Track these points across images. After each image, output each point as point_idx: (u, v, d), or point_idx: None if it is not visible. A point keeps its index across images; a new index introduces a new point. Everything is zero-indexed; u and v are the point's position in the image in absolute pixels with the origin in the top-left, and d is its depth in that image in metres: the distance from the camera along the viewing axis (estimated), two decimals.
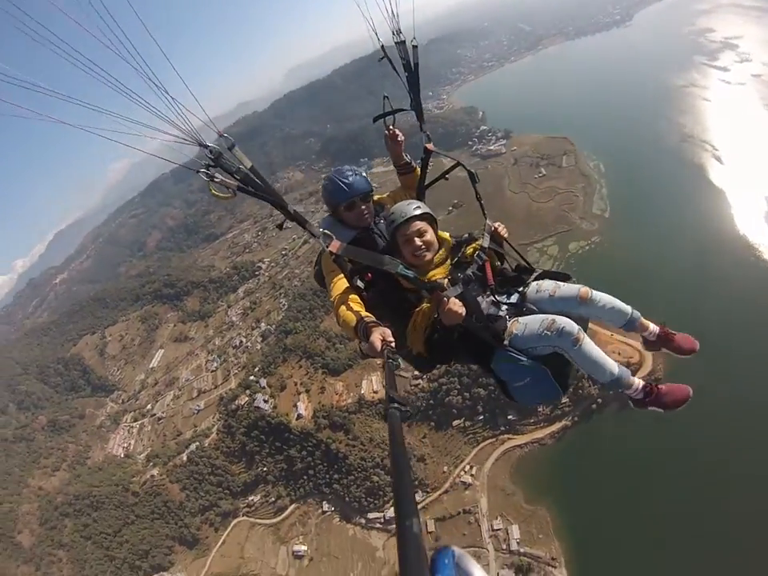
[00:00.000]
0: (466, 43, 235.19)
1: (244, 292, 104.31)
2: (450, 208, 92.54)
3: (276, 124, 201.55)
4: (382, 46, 4.66)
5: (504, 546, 50.71)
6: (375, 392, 64.94)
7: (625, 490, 49.25)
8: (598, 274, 65.95)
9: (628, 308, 4.18)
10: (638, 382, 3.90)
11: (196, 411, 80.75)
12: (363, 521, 57.93)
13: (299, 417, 65.82)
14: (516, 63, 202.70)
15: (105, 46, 2.37)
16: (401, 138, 4.98)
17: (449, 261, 4.20)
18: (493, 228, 4.42)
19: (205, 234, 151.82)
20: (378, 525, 56.81)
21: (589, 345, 3.63)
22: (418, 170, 5.15)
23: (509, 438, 58.54)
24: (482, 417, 59.48)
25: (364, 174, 4.58)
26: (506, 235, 4.52)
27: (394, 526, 1.18)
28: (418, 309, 3.99)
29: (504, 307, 4.11)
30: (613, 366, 3.77)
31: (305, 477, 62.51)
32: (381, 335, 3.15)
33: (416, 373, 64.38)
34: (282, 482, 64.24)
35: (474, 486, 56.22)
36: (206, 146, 3.00)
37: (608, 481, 50.57)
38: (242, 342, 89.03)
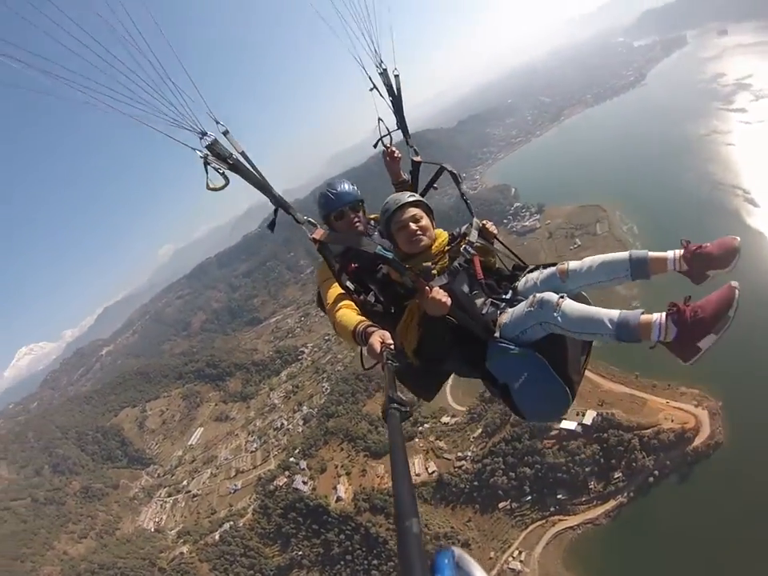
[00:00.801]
0: (493, 121, 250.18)
1: (287, 375, 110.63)
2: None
3: (315, 209, 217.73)
4: (373, 84, 5.14)
5: None
6: (418, 475, 66.28)
7: (691, 565, 46.42)
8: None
9: (624, 254, 3.93)
10: (657, 315, 3.23)
11: (233, 491, 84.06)
12: None
13: (339, 499, 68.05)
14: (542, 137, 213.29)
15: (118, 38, 2.72)
16: (398, 155, 5.43)
17: (446, 256, 4.25)
18: (481, 225, 4.53)
19: (248, 318, 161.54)
20: None
21: (571, 304, 3.48)
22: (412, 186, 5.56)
23: (560, 520, 57.17)
24: (529, 497, 59.10)
25: (353, 186, 4.98)
26: (495, 232, 4.60)
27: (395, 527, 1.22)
28: (409, 305, 4.07)
29: (496, 302, 4.18)
30: (610, 312, 3.36)
31: (342, 562, 62.89)
32: (380, 337, 3.25)
33: (459, 454, 67.18)
34: (317, 567, 64.97)
35: (524, 573, 54.95)
36: (206, 134, 3.30)
37: (672, 562, 47.80)
38: (283, 424, 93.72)
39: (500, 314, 3.99)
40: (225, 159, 3.44)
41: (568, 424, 59.79)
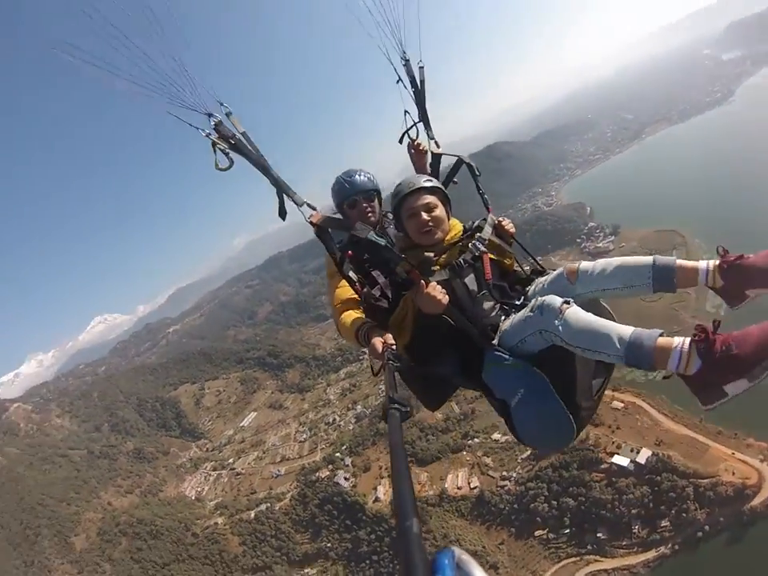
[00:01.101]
0: (571, 137, 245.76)
1: (345, 374, 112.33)
2: None
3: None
4: (399, 76, 5.08)
5: None
6: (459, 488, 65.86)
7: None
8: None
9: (647, 258, 3.37)
10: (680, 340, 2.68)
11: (275, 475, 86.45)
12: None
13: (377, 500, 68.50)
14: (622, 154, 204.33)
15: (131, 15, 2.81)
16: (423, 147, 5.29)
17: (455, 249, 3.92)
18: (496, 221, 4.21)
19: (315, 314, 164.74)
20: None
21: (576, 312, 3.00)
22: None
23: (595, 560, 53.89)
24: (568, 531, 56.48)
25: (370, 175, 4.88)
26: (512, 231, 4.23)
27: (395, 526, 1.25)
28: (404, 297, 3.77)
29: (499, 302, 3.87)
30: (621, 329, 2.84)
31: (367, 561, 63.53)
32: (381, 338, 3.24)
33: (504, 473, 65.58)
34: (342, 561, 65.86)
35: None
36: (212, 115, 3.38)
37: None
38: (335, 419, 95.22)
39: (503, 320, 3.66)
40: (228, 139, 3.50)
41: (621, 460, 56.78)
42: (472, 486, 65.85)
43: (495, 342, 3.45)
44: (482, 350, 3.48)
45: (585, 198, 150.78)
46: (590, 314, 3.00)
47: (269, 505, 77.54)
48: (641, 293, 3.49)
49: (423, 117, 5.23)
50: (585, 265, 3.56)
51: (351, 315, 3.89)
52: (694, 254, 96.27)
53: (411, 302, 3.62)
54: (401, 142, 5.62)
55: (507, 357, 3.30)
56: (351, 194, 4.70)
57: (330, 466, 78.14)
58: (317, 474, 77.84)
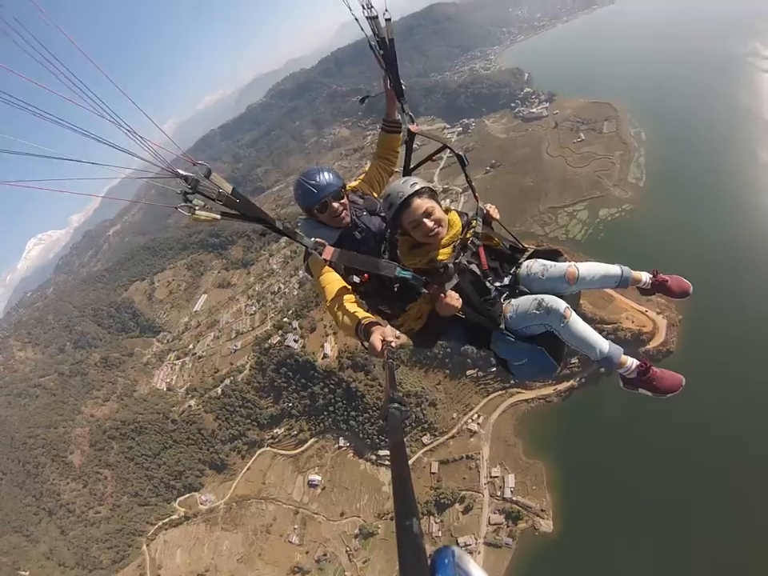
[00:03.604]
0: (518, 0, 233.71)
1: (285, 242, 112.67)
2: (488, 168, 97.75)
3: (323, 81, 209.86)
4: (361, 27, 4.72)
5: (498, 493, 58.31)
6: (398, 337, 71.08)
7: (622, 454, 53.63)
8: (624, 242, 69.46)
9: (617, 268, 4.47)
10: (632, 361, 4.12)
11: (233, 350, 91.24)
12: (374, 457, 66.73)
13: (325, 356, 74.09)
14: (568, 24, 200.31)
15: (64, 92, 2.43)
16: (403, 87, 5.11)
17: (452, 243, 4.31)
18: (485, 211, 4.65)
19: (252, 188, 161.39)
20: (386, 462, 64.69)
21: (576, 322, 3.94)
22: (403, 137, 5.41)
23: (517, 392, 64.54)
24: (494, 369, 64.29)
25: (332, 171, 4.69)
26: (497, 217, 4.74)
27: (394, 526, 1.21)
28: (411, 305, 4.30)
29: (498, 289, 4.43)
30: (603, 343, 4.03)
31: (325, 413, 71.39)
32: (381, 335, 3.32)
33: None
34: (304, 417, 73.67)
35: (479, 434, 63.37)
36: (184, 177, 3.02)
37: (607, 444, 55.22)
38: (280, 288, 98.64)
39: (504, 305, 4.30)
40: (213, 200, 3.21)
41: None
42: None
43: (502, 326, 4.21)
44: (485, 327, 4.26)
45: (524, 63, 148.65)
46: (583, 322, 4.01)
47: (232, 378, 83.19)
48: (607, 288, 4.67)
49: (396, 85, 5.01)
50: (583, 272, 4.27)
51: (348, 310, 3.91)
52: (624, 128, 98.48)
53: (425, 309, 4.25)
54: (361, 102, 5.85)
55: (515, 339, 4.15)
56: (320, 197, 4.54)
57: (280, 332, 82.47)
58: (269, 341, 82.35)
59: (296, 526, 66.44)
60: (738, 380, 53.07)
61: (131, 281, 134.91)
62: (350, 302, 3.99)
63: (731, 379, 53.16)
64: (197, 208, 3.14)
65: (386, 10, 4.60)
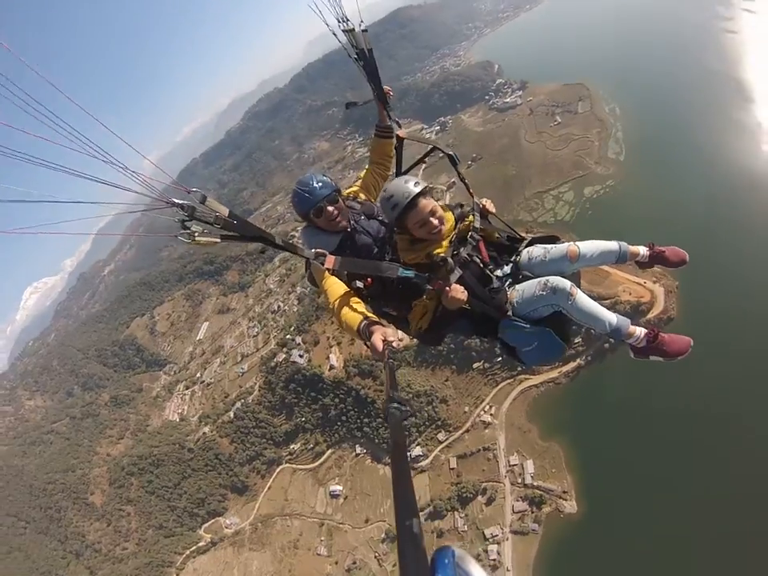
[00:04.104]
0: None
1: (280, 261, 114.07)
2: (470, 162, 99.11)
3: (298, 98, 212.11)
4: (339, 40, 4.90)
5: (519, 480, 59.14)
6: (400, 339, 72.03)
7: (635, 427, 54.95)
8: (611, 217, 71.18)
9: (615, 244, 4.63)
10: (640, 330, 4.24)
11: (241, 373, 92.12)
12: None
13: (331, 367, 75.23)
14: (531, 11, 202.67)
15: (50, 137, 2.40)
16: (392, 94, 5.28)
17: (448, 237, 4.50)
18: (481, 205, 4.80)
19: (240, 211, 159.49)
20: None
21: (583, 298, 4.08)
22: (394, 141, 5.47)
23: (525, 379, 65.50)
24: (499, 359, 65.56)
25: (325, 177, 4.80)
26: (493, 211, 4.89)
27: (394, 522, 1.22)
28: (417, 302, 4.43)
29: (501, 278, 4.56)
30: (611, 316, 4.19)
31: (339, 423, 72.42)
32: (382, 335, 3.39)
33: None
34: (318, 430, 74.56)
35: (493, 425, 64.28)
36: (180, 205, 3.11)
37: (619, 419, 56.51)
38: (279, 306, 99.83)
39: (509, 291, 4.40)
40: (211, 224, 3.33)
41: None
42: (411, 338, 72.44)
43: (510, 312, 4.31)
44: (490, 316, 4.37)
45: (493, 56, 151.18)
46: (588, 298, 4.17)
47: (243, 401, 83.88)
48: (607, 264, 4.89)
49: (379, 94, 5.20)
50: (584, 250, 4.47)
51: (351, 312, 3.98)
52: (599, 106, 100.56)
53: (430, 305, 4.39)
54: (347, 108, 5.97)
55: (528, 326, 4.23)
56: (315, 203, 4.66)
57: (284, 349, 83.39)
58: (274, 359, 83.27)
59: (323, 538, 67.04)
60: (738, 335, 54.40)
61: (131, 318, 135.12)
62: (353, 304, 4.05)
63: (731, 337, 54.16)
64: (196, 234, 3.25)
65: (362, 21, 4.88)
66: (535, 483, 57.75)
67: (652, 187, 75.12)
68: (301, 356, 79.29)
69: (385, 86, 5.24)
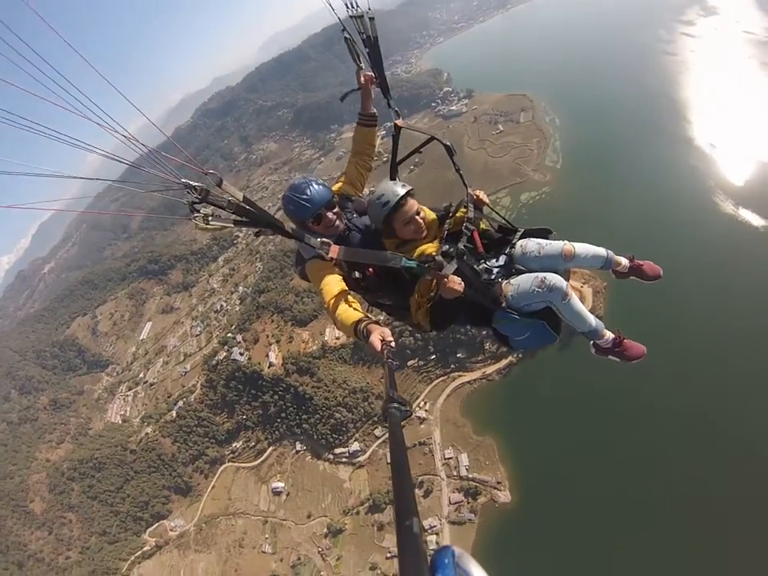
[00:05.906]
0: (436, 5, 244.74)
1: (224, 260, 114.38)
2: (412, 167, 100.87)
3: (249, 97, 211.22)
4: (344, 26, 4.88)
5: (455, 473, 61.66)
6: (337, 338, 74.61)
7: (564, 421, 58.25)
8: (545, 222, 73.96)
9: (603, 251, 4.96)
10: (609, 334, 4.73)
11: (183, 373, 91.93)
12: (331, 456, 69.16)
13: (270, 365, 76.18)
14: (485, 23, 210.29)
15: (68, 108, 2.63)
16: (374, 82, 5.26)
17: (438, 236, 4.72)
18: (475, 197, 4.96)
19: (186, 211, 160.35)
20: (344, 459, 68.32)
21: (575, 300, 4.38)
22: (376, 130, 5.55)
23: (459, 375, 68.31)
24: (433, 356, 68.67)
25: (320, 182, 4.71)
26: (487, 201, 5.06)
27: (394, 525, 1.21)
28: (411, 299, 4.68)
29: (495, 270, 4.76)
30: (592, 318, 4.61)
31: (278, 420, 73.37)
32: (380, 335, 3.39)
33: (370, 316, 74.41)
34: (259, 427, 75.29)
35: (429, 420, 66.75)
36: (194, 187, 3.13)
37: (549, 413, 59.75)
38: (222, 306, 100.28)
39: (503, 284, 4.59)
40: (223, 208, 3.36)
41: None
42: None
43: (504, 304, 4.50)
44: (486, 307, 4.56)
45: (444, 64, 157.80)
46: (578, 300, 4.49)
47: (184, 400, 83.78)
48: (595, 268, 5.12)
49: (381, 80, 5.22)
50: (579, 250, 4.77)
51: (348, 311, 4.03)
52: (540, 116, 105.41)
53: (426, 294, 4.59)
54: (342, 100, 5.89)
55: (518, 317, 4.45)
56: (314, 211, 4.59)
57: (225, 347, 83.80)
58: (216, 358, 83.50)
59: (267, 536, 67.94)
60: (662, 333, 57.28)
61: (72, 317, 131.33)
62: (349, 303, 4.11)
63: (655, 335, 56.70)
64: (210, 218, 3.35)
65: (369, 9, 4.91)
66: (470, 475, 60.31)
67: (585, 194, 79.50)
68: (241, 354, 79.94)
69: (366, 72, 5.23)
